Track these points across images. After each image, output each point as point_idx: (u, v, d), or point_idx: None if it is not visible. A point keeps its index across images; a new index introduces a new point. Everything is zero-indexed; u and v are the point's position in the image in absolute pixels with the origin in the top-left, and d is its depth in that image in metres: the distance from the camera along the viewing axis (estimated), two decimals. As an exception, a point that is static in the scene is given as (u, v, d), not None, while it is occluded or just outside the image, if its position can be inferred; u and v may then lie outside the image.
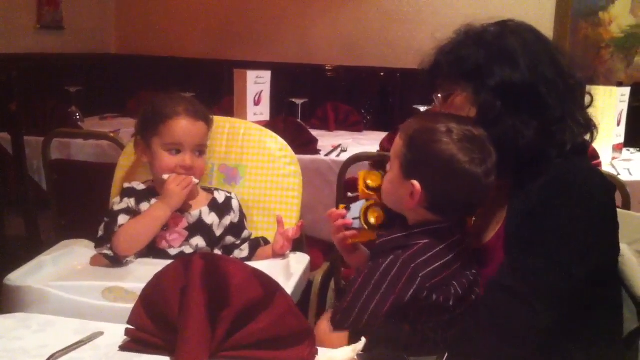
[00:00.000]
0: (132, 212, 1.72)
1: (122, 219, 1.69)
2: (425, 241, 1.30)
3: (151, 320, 1.15)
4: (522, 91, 1.31)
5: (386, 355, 1.16)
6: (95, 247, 1.68)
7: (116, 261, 1.64)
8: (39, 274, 1.52)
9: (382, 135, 3.47)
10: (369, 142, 3.41)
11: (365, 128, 3.94)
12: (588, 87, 1.41)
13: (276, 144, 1.95)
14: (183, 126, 1.74)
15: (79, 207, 2.59)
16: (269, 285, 1.12)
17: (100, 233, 1.70)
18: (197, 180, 1.75)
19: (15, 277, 1.45)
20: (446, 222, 1.33)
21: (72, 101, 3.44)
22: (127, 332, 1.16)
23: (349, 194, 1.53)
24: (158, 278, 1.16)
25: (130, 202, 1.75)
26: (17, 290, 1.41)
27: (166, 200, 1.69)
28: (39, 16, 4.50)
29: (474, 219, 1.42)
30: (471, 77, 1.34)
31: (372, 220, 1.42)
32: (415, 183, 1.29)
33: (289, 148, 1.94)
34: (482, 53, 1.33)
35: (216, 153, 1.93)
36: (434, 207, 1.31)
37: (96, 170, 2.65)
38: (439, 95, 1.40)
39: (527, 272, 1.23)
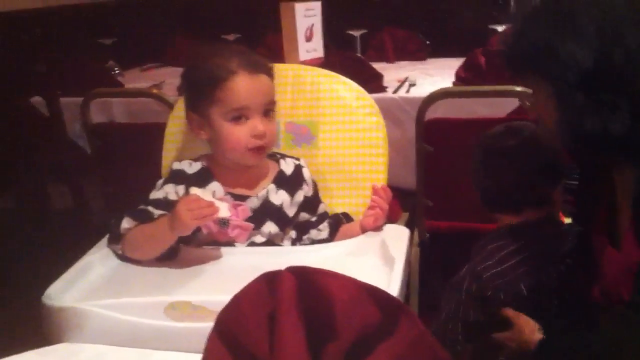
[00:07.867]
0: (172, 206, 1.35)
1: (126, 222, 1.35)
2: (493, 245, 1.40)
3: (233, 356, 0.88)
4: (597, 68, 1.04)
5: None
6: (108, 242, 1.37)
7: (129, 260, 1.34)
8: (85, 283, 1.23)
9: (448, 62, 3.15)
10: (437, 71, 3.07)
11: (428, 55, 3.54)
12: None
13: (351, 91, 1.60)
14: (244, 85, 1.40)
15: (127, 173, 2.35)
16: (389, 305, 0.83)
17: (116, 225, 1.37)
18: (227, 214, 1.32)
19: (56, 293, 1.14)
20: (518, 219, 1.41)
21: (109, 55, 3.16)
22: (203, 370, 0.89)
23: None
24: (236, 301, 0.88)
25: (178, 190, 1.43)
26: (60, 312, 1.10)
27: (172, 221, 1.29)
28: (61, -35, 4.16)
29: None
30: (540, 67, 1.11)
31: None
32: None
33: (367, 95, 1.60)
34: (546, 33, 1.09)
35: (281, 109, 1.55)
36: (492, 207, 1.46)
37: (143, 132, 2.39)
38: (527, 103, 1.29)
39: None
